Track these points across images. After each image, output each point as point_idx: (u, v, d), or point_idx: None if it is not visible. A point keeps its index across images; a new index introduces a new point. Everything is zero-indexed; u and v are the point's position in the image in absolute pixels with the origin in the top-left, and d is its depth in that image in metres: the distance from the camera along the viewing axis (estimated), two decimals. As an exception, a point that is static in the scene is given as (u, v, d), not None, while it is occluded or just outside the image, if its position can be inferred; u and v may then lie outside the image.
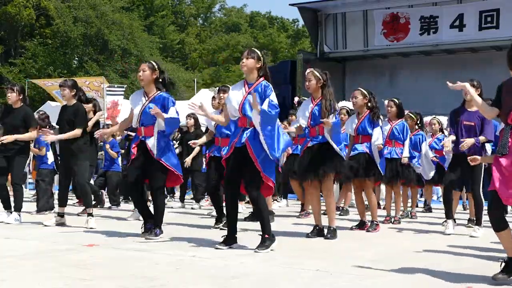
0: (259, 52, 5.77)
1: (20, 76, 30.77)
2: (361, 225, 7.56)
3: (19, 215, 7.77)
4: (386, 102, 8.62)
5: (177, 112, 6.35)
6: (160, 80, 6.48)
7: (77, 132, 7.45)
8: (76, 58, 33.89)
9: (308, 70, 6.81)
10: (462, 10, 15.48)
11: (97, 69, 31.52)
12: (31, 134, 7.76)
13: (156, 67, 6.47)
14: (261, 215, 5.70)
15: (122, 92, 20.57)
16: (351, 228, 7.53)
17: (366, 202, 7.79)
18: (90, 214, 7.50)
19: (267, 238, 5.59)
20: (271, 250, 5.52)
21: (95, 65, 32.16)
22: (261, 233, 5.66)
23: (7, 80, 31.16)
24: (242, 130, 5.70)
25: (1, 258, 5.09)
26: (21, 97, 7.73)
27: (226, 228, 6.37)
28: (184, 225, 7.91)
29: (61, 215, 7.64)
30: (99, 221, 7.89)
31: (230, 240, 5.76)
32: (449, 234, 7.14)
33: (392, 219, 8.41)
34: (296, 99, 9.47)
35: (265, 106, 5.55)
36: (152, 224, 6.51)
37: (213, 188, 7.68)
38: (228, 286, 4.14)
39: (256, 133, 5.61)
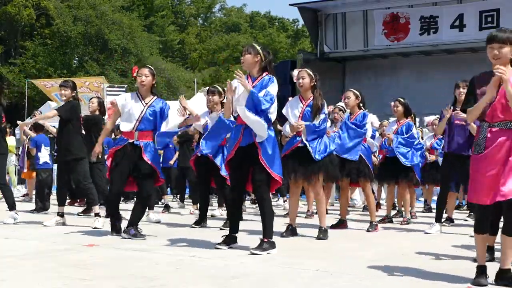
0: (258, 47, 5.71)
1: (20, 76, 30.77)
2: (340, 223, 7.57)
3: (16, 213, 7.77)
4: (392, 103, 8.62)
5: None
6: (155, 85, 6.56)
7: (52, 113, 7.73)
8: (76, 58, 33.88)
9: (299, 69, 6.80)
10: (462, 10, 15.48)
11: (97, 68, 31.51)
12: None
13: (155, 73, 6.53)
14: (265, 218, 5.63)
15: (123, 92, 20.61)
16: (331, 227, 7.40)
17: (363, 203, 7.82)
18: (97, 214, 7.51)
19: (265, 242, 5.49)
20: (267, 253, 5.39)
21: (95, 64, 32.14)
22: (261, 236, 5.59)
23: (7, 80, 31.17)
24: (243, 128, 5.62)
25: (1, 258, 5.09)
26: None
27: (227, 228, 6.39)
28: (184, 225, 7.91)
29: (61, 214, 7.64)
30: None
31: (230, 240, 5.74)
32: (428, 233, 7.21)
33: (401, 220, 8.43)
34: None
35: (260, 93, 5.52)
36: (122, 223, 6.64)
37: (204, 191, 7.78)
38: (228, 286, 4.14)
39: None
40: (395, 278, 4.45)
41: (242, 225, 5.98)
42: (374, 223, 7.43)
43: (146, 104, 6.38)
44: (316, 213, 9.65)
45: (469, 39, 15.33)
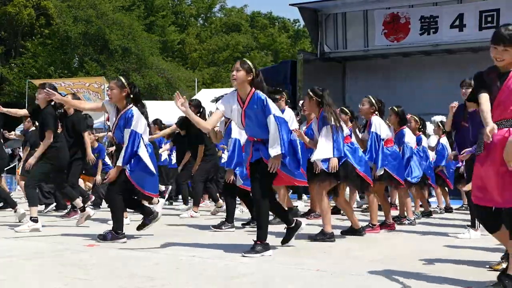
0: (250, 63, 5.63)
1: (20, 75, 30.78)
2: (383, 224, 7.58)
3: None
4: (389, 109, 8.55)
5: (134, 133, 6.22)
6: (132, 96, 6.36)
7: (48, 135, 7.27)
8: (77, 58, 33.87)
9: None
10: (462, 10, 15.48)
11: (98, 69, 31.51)
12: None
13: (125, 84, 6.33)
14: (260, 219, 5.59)
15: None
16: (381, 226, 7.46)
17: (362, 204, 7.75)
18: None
19: (258, 244, 5.42)
20: (261, 256, 5.31)
21: (96, 64, 32.14)
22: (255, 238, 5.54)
23: (7, 80, 31.18)
24: (252, 144, 5.68)
25: (1, 258, 5.09)
26: None
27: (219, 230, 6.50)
28: (184, 225, 7.91)
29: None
30: (98, 221, 7.93)
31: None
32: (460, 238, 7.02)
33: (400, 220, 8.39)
34: (301, 102, 9.38)
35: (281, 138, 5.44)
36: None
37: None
38: (228, 286, 4.14)
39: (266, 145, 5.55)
40: (395, 278, 4.45)
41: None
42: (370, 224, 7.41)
43: (118, 116, 6.34)
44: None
45: (469, 39, 15.33)
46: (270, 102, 5.53)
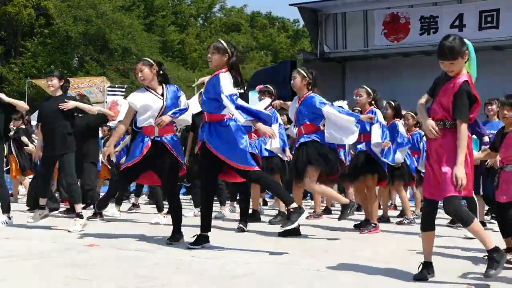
0: (225, 44, 5.65)
1: (20, 75, 30.80)
2: (362, 225, 7.54)
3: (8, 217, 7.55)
4: (384, 103, 8.62)
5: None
6: (161, 72, 6.32)
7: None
8: (76, 58, 33.88)
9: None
10: (462, 10, 15.50)
11: (98, 68, 31.52)
12: None
13: (151, 62, 6.30)
14: (271, 188, 5.68)
15: (123, 93, 20.70)
16: (356, 228, 7.41)
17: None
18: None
19: (291, 212, 5.42)
20: (298, 224, 5.34)
21: (96, 64, 32.15)
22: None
23: (7, 80, 31.19)
24: (202, 124, 5.75)
25: (1, 258, 5.09)
26: None
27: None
28: (183, 225, 7.89)
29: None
30: (98, 221, 7.95)
31: (202, 240, 5.77)
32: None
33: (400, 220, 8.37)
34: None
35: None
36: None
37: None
38: (228, 286, 4.14)
39: (210, 127, 5.60)
40: (395, 278, 4.45)
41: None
42: (372, 224, 7.38)
43: (163, 97, 6.20)
44: (324, 213, 9.58)
45: (469, 39, 15.29)
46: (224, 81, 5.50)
